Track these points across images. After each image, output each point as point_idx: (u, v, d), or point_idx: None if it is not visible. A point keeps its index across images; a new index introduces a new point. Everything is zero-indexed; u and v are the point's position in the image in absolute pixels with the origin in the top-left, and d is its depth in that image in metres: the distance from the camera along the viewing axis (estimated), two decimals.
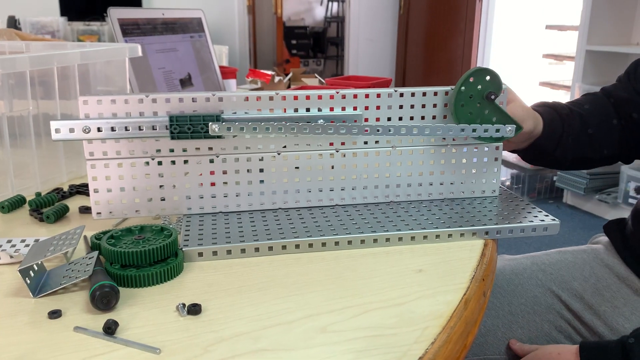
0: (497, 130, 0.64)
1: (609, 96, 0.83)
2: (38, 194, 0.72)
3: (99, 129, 0.58)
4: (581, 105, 0.82)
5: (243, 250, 0.56)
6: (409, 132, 0.62)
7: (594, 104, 0.82)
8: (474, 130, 0.63)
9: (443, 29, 4.07)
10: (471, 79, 0.64)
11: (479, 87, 0.64)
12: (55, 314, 0.45)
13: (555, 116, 0.78)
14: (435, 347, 0.42)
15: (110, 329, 0.42)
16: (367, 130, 0.61)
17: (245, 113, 0.61)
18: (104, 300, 0.45)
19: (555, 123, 0.78)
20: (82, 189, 0.76)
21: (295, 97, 0.62)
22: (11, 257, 0.54)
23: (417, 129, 0.62)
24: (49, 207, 0.70)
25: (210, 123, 0.59)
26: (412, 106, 0.64)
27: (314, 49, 6.94)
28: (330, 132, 0.60)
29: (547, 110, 0.79)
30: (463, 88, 0.64)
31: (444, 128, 0.62)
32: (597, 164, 0.84)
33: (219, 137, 0.61)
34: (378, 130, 0.61)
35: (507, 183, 3.11)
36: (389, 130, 0.61)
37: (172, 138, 0.60)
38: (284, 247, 0.57)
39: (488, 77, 0.65)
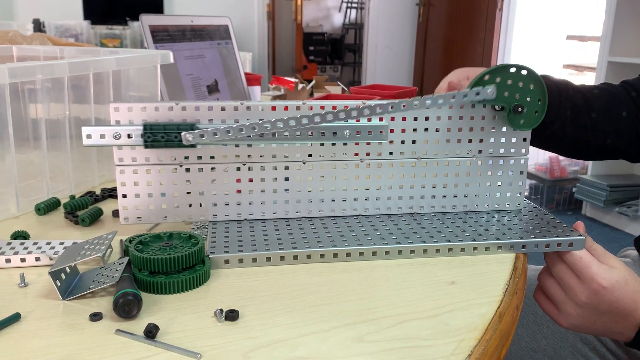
0: (477, 94, 0.62)
1: (629, 89, 0.80)
2: (72, 197, 0.73)
3: (129, 136, 0.59)
4: (591, 89, 0.80)
5: (268, 259, 0.56)
6: (385, 109, 0.60)
7: (605, 91, 0.80)
8: (464, 96, 0.62)
9: (462, 37, 4.07)
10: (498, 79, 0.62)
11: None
12: (96, 317, 0.46)
13: (553, 87, 0.77)
14: (472, 359, 0.42)
15: (151, 332, 0.43)
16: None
17: None
18: (125, 308, 0.46)
19: (552, 94, 0.76)
20: (114, 193, 0.77)
21: (322, 107, 0.62)
22: (50, 259, 0.55)
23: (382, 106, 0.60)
24: (83, 210, 0.71)
25: (183, 132, 0.58)
26: (438, 118, 0.64)
27: (331, 55, 6.97)
28: (318, 122, 0.59)
29: (545, 81, 0.78)
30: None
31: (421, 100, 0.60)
32: (600, 154, 0.81)
33: (237, 145, 0.61)
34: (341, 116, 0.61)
35: (526, 194, 3.09)
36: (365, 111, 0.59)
37: (146, 147, 0.60)
38: (308, 256, 0.57)
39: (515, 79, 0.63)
